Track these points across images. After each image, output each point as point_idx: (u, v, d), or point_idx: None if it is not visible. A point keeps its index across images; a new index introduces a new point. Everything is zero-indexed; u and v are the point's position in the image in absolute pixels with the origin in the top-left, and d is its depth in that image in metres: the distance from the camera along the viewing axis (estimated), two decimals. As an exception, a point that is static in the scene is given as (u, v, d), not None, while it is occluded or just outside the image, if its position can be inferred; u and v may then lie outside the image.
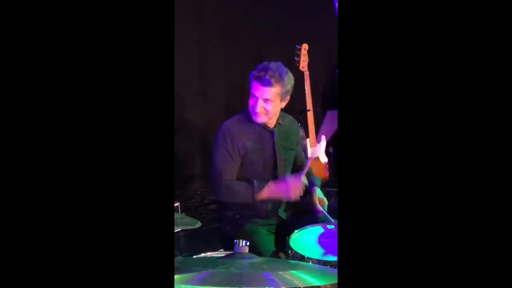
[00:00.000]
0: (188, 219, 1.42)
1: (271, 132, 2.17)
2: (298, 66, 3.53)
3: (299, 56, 3.55)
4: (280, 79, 2.02)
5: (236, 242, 1.27)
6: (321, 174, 3.69)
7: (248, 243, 1.26)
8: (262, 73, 2.01)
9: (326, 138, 2.30)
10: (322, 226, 1.98)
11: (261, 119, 2.09)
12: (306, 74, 3.57)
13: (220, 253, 1.76)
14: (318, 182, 2.26)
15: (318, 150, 3.76)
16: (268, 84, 2.01)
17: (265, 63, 2.06)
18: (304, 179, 2.06)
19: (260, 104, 2.04)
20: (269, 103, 2.04)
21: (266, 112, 2.06)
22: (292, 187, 2.03)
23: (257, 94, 2.03)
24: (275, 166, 2.17)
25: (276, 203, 2.17)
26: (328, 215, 2.06)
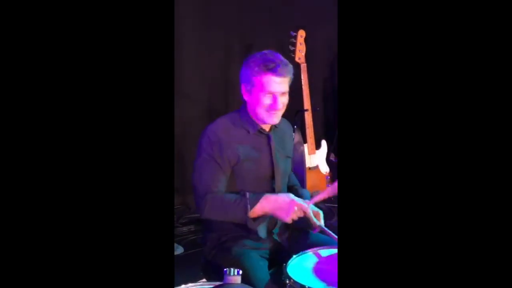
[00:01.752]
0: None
1: (268, 136, 2.21)
2: (294, 57, 3.57)
3: (294, 45, 3.60)
4: (289, 68, 2.11)
5: (226, 270, 1.30)
6: (321, 186, 3.73)
7: (240, 272, 1.30)
8: (273, 65, 2.05)
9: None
10: (314, 253, 2.02)
11: (277, 118, 2.14)
12: (303, 67, 3.61)
13: (203, 285, 1.78)
14: (307, 194, 2.29)
15: (317, 158, 3.81)
16: (285, 73, 2.07)
17: (259, 53, 2.10)
18: (310, 211, 2.07)
19: (280, 100, 2.09)
20: (285, 96, 2.11)
21: (283, 109, 2.13)
22: (292, 209, 2.03)
23: (274, 88, 2.06)
24: (272, 178, 2.19)
25: (270, 226, 2.19)
26: (327, 230, 2.08)
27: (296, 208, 2.03)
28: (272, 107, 2.09)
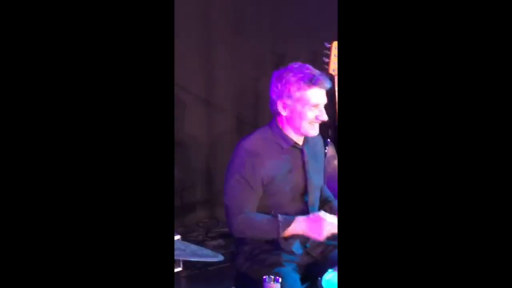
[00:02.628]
0: (208, 251, 1.55)
1: (301, 150, 2.30)
2: (327, 69, 3.64)
3: (328, 56, 3.66)
4: (329, 79, 2.25)
5: (266, 278, 1.39)
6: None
7: (280, 280, 1.38)
8: (316, 79, 2.17)
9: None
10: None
11: (317, 129, 2.25)
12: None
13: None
14: None
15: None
16: (328, 85, 2.21)
17: (292, 68, 2.21)
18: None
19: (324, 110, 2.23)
20: None
21: None
22: (326, 226, 2.10)
23: (319, 100, 2.20)
24: (305, 192, 2.28)
25: (303, 242, 2.28)
26: None
27: (327, 225, 2.09)
28: (319, 117, 2.21)
